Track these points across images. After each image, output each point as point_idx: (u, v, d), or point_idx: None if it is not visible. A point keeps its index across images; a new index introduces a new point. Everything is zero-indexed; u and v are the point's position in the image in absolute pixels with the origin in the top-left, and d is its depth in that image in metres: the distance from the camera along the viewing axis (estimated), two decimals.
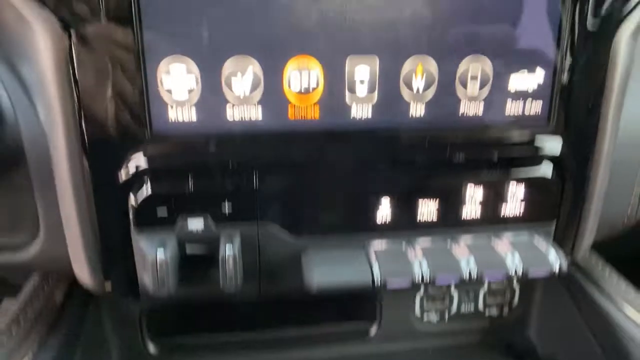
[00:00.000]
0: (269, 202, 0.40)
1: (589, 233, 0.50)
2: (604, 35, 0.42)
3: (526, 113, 0.43)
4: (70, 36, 0.36)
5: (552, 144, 0.44)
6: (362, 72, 0.39)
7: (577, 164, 0.45)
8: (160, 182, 0.39)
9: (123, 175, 0.39)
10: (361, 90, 0.40)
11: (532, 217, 0.45)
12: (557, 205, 0.45)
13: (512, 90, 0.42)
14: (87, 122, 0.38)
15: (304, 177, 0.41)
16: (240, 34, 0.37)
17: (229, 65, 0.38)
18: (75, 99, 0.38)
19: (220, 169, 0.40)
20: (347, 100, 0.40)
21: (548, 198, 0.45)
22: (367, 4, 0.38)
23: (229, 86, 0.38)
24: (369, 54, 0.39)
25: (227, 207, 0.39)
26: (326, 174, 0.41)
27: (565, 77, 0.42)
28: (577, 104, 0.44)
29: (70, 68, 0.37)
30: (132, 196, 0.39)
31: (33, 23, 0.35)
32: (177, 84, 0.38)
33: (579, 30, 0.41)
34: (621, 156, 0.49)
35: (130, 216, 0.40)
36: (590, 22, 0.41)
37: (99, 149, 0.39)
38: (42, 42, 0.36)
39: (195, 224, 0.40)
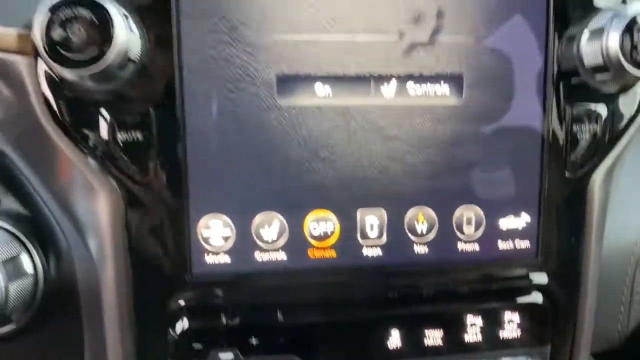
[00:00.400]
0: (292, 335, 0.45)
1: (585, 349, 0.54)
2: (579, 181, 0.49)
3: (517, 248, 0.49)
4: (127, 200, 0.43)
5: (541, 275, 0.49)
6: (372, 221, 0.46)
7: (565, 291, 0.50)
8: (196, 318, 0.44)
9: (164, 312, 0.45)
10: (371, 234, 0.46)
11: (528, 341, 0.49)
12: (550, 329, 0.50)
13: (503, 230, 0.48)
14: (135, 263, 0.45)
15: (323, 311, 0.46)
16: (268, 195, 0.44)
17: (258, 219, 0.44)
18: (126, 243, 0.44)
19: (248, 306, 0.45)
20: (360, 242, 0.46)
21: (540, 323, 0.49)
22: (374, 164, 0.45)
23: (258, 235, 0.45)
24: (376, 207, 0.46)
25: (254, 341, 0.44)
26: (342, 307, 0.47)
27: (548, 218, 0.48)
28: (562, 239, 0.50)
29: (124, 220, 0.44)
30: (170, 331, 0.45)
31: (98, 190, 0.43)
32: (214, 235, 0.44)
33: (557, 178, 0.48)
34: (606, 277, 0.54)
35: (168, 349, 0.45)
36: (566, 172, 0.48)
37: (144, 286, 0.45)
38: (102, 203, 0.43)
39: (226, 356, 0.44)
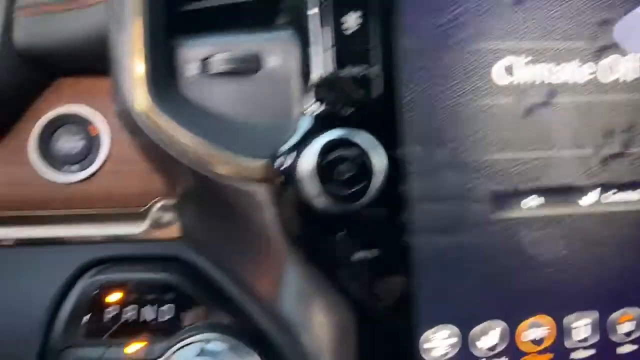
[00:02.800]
0: None
1: None
2: None
3: None
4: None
5: None
6: (584, 323, 0.48)
7: None
8: None
9: None
10: (582, 337, 0.48)
11: None
12: None
13: None
14: None
15: None
16: (484, 305, 0.47)
17: (478, 329, 0.47)
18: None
19: None
20: (570, 345, 0.48)
21: None
22: (581, 269, 0.48)
23: (475, 345, 0.47)
24: (587, 310, 0.48)
25: None
26: None
27: None
28: None
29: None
30: None
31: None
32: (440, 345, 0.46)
33: None
34: None
35: None
36: None
37: None
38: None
39: None
